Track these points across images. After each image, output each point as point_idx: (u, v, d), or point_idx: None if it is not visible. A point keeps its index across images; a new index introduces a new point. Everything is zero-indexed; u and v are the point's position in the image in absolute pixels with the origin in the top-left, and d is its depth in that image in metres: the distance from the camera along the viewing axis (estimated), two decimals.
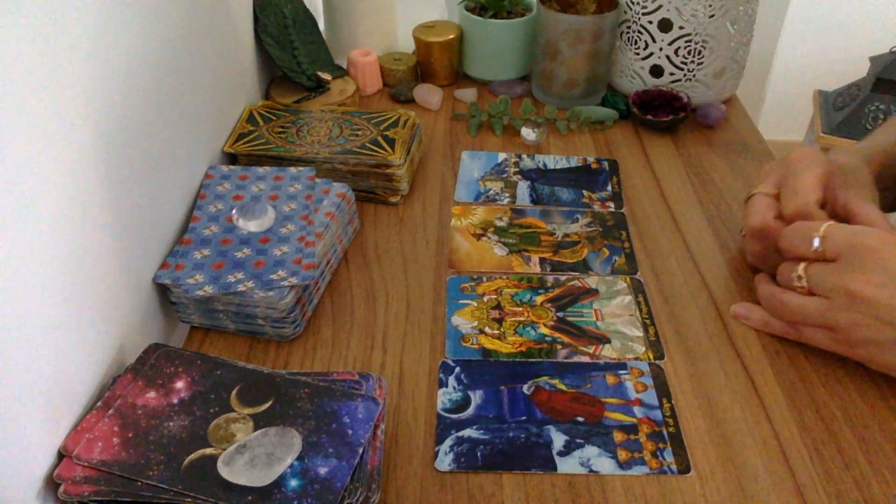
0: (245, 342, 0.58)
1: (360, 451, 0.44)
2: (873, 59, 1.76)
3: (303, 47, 0.84)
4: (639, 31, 0.84)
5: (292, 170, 0.66)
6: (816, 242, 0.53)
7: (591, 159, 0.79)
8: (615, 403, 0.53)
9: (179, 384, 0.48)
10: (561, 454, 0.50)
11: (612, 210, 0.72)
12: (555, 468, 0.49)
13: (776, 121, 2.06)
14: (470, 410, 0.53)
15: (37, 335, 0.42)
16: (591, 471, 0.49)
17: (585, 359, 0.57)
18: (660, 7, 0.81)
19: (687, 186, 0.76)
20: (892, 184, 0.65)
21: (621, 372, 0.56)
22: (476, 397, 0.53)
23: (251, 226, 0.60)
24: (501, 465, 0.49)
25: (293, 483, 0.42)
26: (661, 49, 0.84)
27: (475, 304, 0.61)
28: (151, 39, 0.56)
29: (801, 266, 0.54)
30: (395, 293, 0.62)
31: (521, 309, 0.61)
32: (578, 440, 0.51)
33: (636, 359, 0.57)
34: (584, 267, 0.65)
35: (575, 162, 0.79)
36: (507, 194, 0.74)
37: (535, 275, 0.64)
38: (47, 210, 0.42)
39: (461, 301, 0.61)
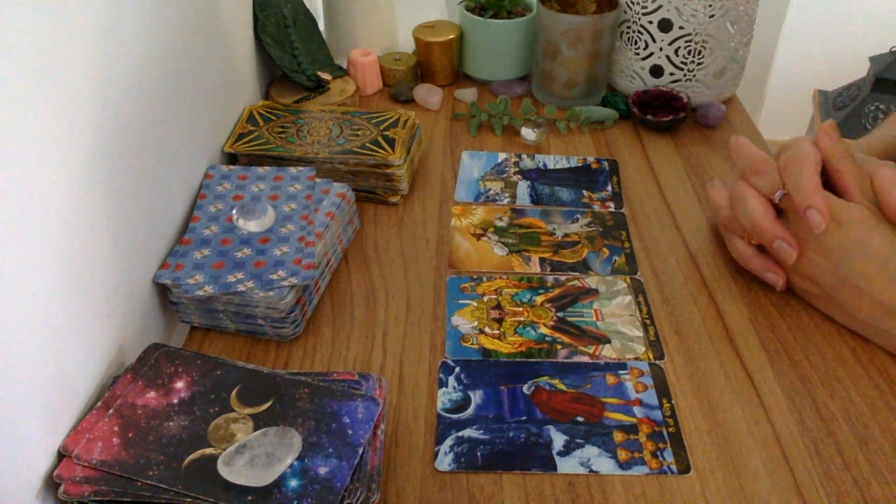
0: (245, 342, 0.58)
1: (360, 451, 0.44)
2: (873, 59, 1.76)
3: (303, 47, 0.84)
4: (639, 31, 0.84)
5: (292, 170, 0.66)
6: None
7: (591, 159, 0.79)
8: (615, 403, 0.53)
9: (179, 384, 0.48)
10: (561, 454, 0.50)
11: (612, 210, 0.72)
12: (555, 468, 0.49)
13: (776, 121, 2.06)
14: (470, 410, 0.53)
15: (37, 335, 0.41)
16: (591, 471, 0.49)
17: (585, 359, 0.57)
18: (660, 7, 0.81)
19: (687, 186, 0.76)
20: None
21: (621, 372, 0.56)
22: (476, 397, 0.53)
23: (251, 226, 0.60)
24: (501, 465, 0.49)
25: (293, 483, 0.42)
26: (661, 49, 0.84)
27: (475, 304, 0.61)
28: (151, 39, 0.56)
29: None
30: (395, 293, 0.62)
31: (521, 309, 0.61)
32: (578, 440, 0.51)
33: (636, 359, 0.57)
34: (584, 267, 0.65)
35: (575, 162, 0.79)
36: (507, 194, 0.74)
37: (535, 275, 0.64)
38: (47, 210, 0.42)
39: (461, 301, 0.61)
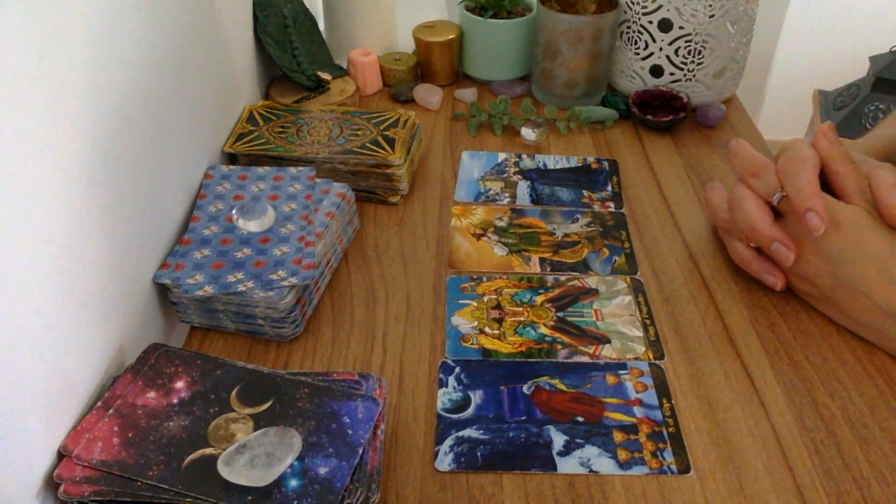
0: (245, 342, 0.58)
1: (360, 451, 0.44)
2: (873, 59, 1.76)
3: (303, 47, 0.84)
4: (639, 31, 0.84)
5: (292, 170, 0.66)
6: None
7: (591, 159, 0.79)
8: (615, 403, 0.53)
9: (179, 384, 0.48)
10: (561, 454, 0.50)
11: (612, 210, 0.72)
12: (555, 468, 0.49)
13: (776, 121, 2.06)
14: (470, 410, 0.53)
15: (37, 335, 0.41)
16: (591, 471, 0.49)
17: (585, 359, 0.57)
18: (660, 7, 0.81)
19: (687, 186, 0.76)
20: None
21: (621, 372, 0.56)
22: (476, 397, 0.53)
23: (251, 226, 0.60)
24: (501, 465, 0.49)
25: (293, 483, 0.42)
26: (661, 49, 0.84)
27: (475, 304, 0.61)
28: (151, 39, 0.56)
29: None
30: (395, 293, 0.62)
31: (521, 309, 0.61)
32: (578, 440, 0.51)
33: (636, 359, 0.57)
34: (584, 267, 0.65)
35: (575, 162, 0.79)
36: (507, 194, 0.74)
37: (535, 275, 0.64)
38: (47, 210, 0.42)
39: (461, 301, 0.61)
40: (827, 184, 0.58)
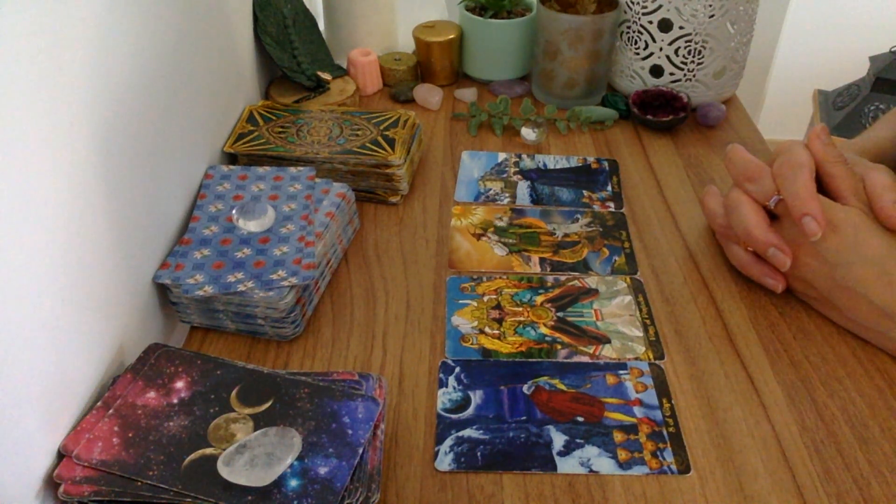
0: (245, 342, 0.58)
1: (360, 451, 0.44)
2: (873, 59, 1.76)
3: (303, 47, 0.84)
4: (639, 31, 0.84)
5: (292, 170, 0.66)
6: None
7: (591, 159, 0.79)
8: (615, 403, 0.53)
9: (179, 384, 0.48)
10: (561, 454, 0.50)
11: (612, 210, 0.72)
12: (555, 468, 0.49)
13: (776, 121, 2.06)
14: (470, 410, 0.53)
15: (37, 335, 0.41)
16: (591, 471, 0.49)
17: (585, 359, 0.57)
18: (660, 7, 0.81)
19: (687, 186, 0.76)
20: None
21: (621, 372, 0.56)
22: (476, 397, 0.53)
23: (251, 226, 0.60)
24: (501, 465, 0.49)
25: (293, 483, 0.42)
26: (661, 49, 0.84)
27: (475, 304, 0.61)
28: (151, 40, 0.56)
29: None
30: (395, 293, 0.62)
31: (521, 309, 0.61)
32: (578, 440, 0.51)
33: (636, 359, 0.57)
34: (584, 267, 0.65)
35: (575, 162, 0.79)
36: (507, 194, 0.74)
37: (535, 275, 0.64)
38: (47, 210, 0.42)
39: (461, 301, 0.61)
40: (822, 186, 0.58)
